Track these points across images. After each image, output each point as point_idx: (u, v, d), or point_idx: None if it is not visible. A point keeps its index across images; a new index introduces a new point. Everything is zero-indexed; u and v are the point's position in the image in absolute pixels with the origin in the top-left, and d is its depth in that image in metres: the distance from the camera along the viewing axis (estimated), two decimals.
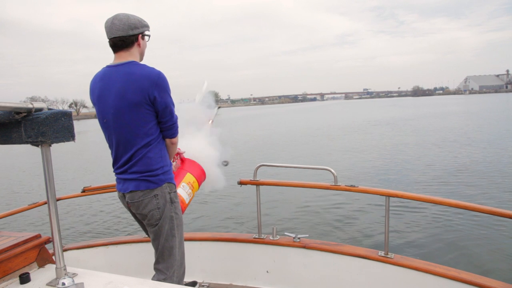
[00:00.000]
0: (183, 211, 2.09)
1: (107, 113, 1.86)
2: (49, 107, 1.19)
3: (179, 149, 2.15)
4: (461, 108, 43.81)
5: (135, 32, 1.88)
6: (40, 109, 1.11)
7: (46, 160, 1.11)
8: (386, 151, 13.57)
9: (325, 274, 2.37)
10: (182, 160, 2.21)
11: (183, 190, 2.09)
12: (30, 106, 1.08)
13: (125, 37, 1.86)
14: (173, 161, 2.12)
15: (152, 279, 1.92)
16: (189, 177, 2.15)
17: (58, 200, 1.52)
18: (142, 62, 1.93)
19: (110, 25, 1.85)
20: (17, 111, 1.08)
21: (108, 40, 1.88)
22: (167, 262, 1.96)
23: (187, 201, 2.12)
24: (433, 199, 2.12)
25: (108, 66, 1.90)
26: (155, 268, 1.97)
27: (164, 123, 1.88)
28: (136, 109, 1.79)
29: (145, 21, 1.95)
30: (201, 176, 2.24)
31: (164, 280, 1.91)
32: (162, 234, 1.93)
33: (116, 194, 2.00)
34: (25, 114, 1.08)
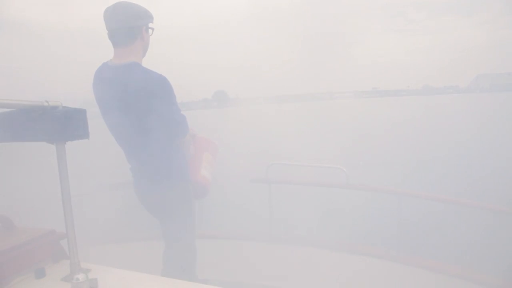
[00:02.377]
0: (208, 190, 2.08)
1: (109, 118, 1.83)
2: (63, 105, 1.20)
3: (192, 129, 2.10)
4: (472, 108, 43.22)
5: (139, 23, 1.70)
6: (55, 107, 1.13)
7: (60, 157, 1.12)
8: (399, 150, 13.44)
9: (336, 273, 2.36)
10: (197, 140, 2.17)
11: (206, 171, 2.09)
12: (45, 104, 1.10)
13: (128, 28, 1.68)
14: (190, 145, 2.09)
15: (161, 274, 1.93)
16: (207, 156, 2.14)
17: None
18: (145, 60, 1.81)
19: (111, 15, 1.67)
20: (32, 109, 1.10)
21: (107, 32, 1.72)
22: (176, 257, 1.97)
23: (210, 180, 2.11)
24: (445, 198, 2.11)
25: (107, 66, 1.77)
26: (164, 262, 1.99)
27: (170, 126, 1.81)
28: (140, 116, 1.73)
29: (149, 12, 1.76)
30: (215, 151, 2.24)
31: (172, 274, 1.91)
32: (173, 229, 1.95)
33: (131, 190, 2.01)
34: (41, 112, 1.10)
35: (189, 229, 1.99)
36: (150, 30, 1.82)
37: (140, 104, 1.71)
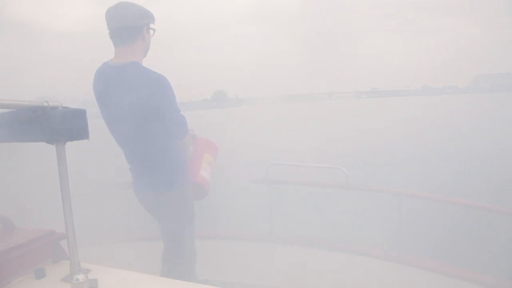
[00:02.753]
0: (207, 191, 2.09)
1: (108, 117, 1.83)
2: (63, 105, 1.20)
3: (192, 130, 2.10)
4: (472, 108, 43.29)
5: (140, 23, 1.72)
6: (55, 108, 1.12)
7: (60, 158, 1.12)
8: (398, 150, 13.45)
9: (336, 273, 2.36)
10: (197, 141, 2.17)
11: (205, 171, 2.08)
12: (45, 104, 1.09)
13: (129, 28, 1.70)
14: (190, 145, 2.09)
15: (161, 274, 1.92)
16: (207, 157, 2.13)
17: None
18: (145, 60, 1.81)
19: (112, 14, 1.69)
20: (32, 110, 1.10)
21: (109, 31, 1.73)
22: (175, 258, 1.96)
23: (209, 181, 2.11)
24: (445, 198, 2.11)
25: (108, 65, 1.78)
26: (163, 262, 1.98)
27: (169, 127, 1.80)
28: (138, 116, 1.72)
29: (150, 12, 1.77)
30: (215, 152, 2.23)
31: (171, 275, 1.90)
32: (172, 230, 1.95)
33: (130, 191, 2.00)
34: (40, 112, 1.10)
35: (188, 229, 1.98)
36: (151, 31, 1.83)
37: (139, 103, 1.71)
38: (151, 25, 1.81)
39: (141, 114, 1.73)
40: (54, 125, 1.08)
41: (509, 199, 6.69)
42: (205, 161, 2.11)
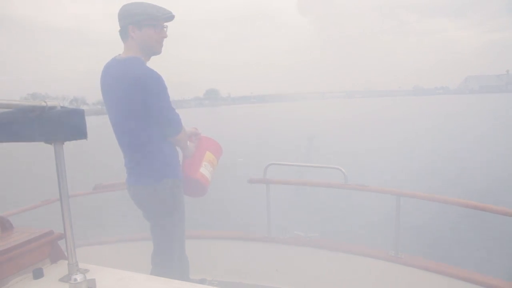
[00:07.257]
0: (207, 189, 2.09)
1: (108, 111, 1.86)
2: (61, 105, 1.20)
3: (195, 128, 2.10)
4: (461, 108, 43.75)
5: (124, 22, 1.78)
6: (53, 107, 1.12)
7: (58, 157, 1.12)
8: (397, 150, 13.50)
9: (334, 273, 2.36)
10: (200, 139, 2.16)
11: (205, 169, 2.08)
12: (43, 104, 1.09)
13: (121, 26, 1.80)
14: (191, 141, 2.10)
15: (151, 273, 1.90)
16: (208, 156, 2.12)
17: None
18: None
19: (118, 12, 1.80)
20: (30, 109, 1.09)
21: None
22: (164, 256, 1.94)
23: (210, 179, 2.10)
24: (444, 198, 2.11)
25: (114, 59, 1.84)
26: (152, 262, 1.96)
27: (161, 124, 1.80)
28: (131, 111, 1.75)
29: (141, 9, 1.76)
30: (218, 151, 2.22)
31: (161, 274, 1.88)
32: (161, 228, 1.93)
33: (127, 191, 1.99)
34: (39, 112, 1.09)
35: (178, 229, 1.95)
36: (151, 26, 1.79)
37: (132, 98, 1.72)
38: (147, 22, 1.78)
39: (134, 108, 1.74)
40: (52, 125, 1.08)
41: (504, 197, 6.77)
42: (206, 159, 2.09)
